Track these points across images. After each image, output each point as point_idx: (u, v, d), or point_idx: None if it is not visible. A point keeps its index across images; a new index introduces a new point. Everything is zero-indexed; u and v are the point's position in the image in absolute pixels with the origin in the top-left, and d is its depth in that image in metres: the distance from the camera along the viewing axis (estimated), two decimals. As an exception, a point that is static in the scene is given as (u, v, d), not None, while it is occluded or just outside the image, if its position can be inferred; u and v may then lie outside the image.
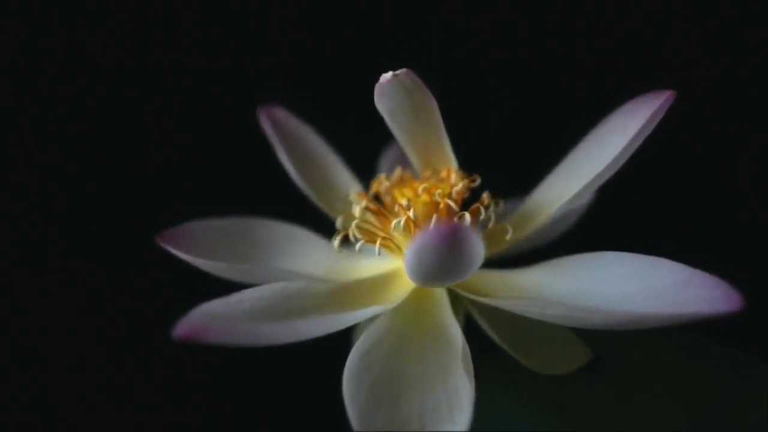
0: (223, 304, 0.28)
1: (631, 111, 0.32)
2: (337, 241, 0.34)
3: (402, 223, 0.32)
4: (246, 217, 0.37)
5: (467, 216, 0.32)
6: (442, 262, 0.26)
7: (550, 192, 0.35)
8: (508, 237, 0.33)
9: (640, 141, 0.31)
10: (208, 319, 0.26)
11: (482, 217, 0.33)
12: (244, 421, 0.38)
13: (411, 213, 0.32)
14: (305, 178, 0.38)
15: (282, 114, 0.41)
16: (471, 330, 0.31)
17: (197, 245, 0.34)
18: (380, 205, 0.35)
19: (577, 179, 0.32)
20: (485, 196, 0.34)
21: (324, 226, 0.38)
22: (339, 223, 0.35)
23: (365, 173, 0.39)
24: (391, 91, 0.31)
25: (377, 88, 0.31)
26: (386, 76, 0.31)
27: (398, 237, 0.33)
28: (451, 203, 0.32)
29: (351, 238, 0.34)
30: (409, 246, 0.31)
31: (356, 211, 0.34)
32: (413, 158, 0.35)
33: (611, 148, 0.31)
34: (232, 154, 0.53)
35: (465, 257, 0.26)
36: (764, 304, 0.27)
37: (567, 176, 0.34)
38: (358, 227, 0.33)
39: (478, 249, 0.26)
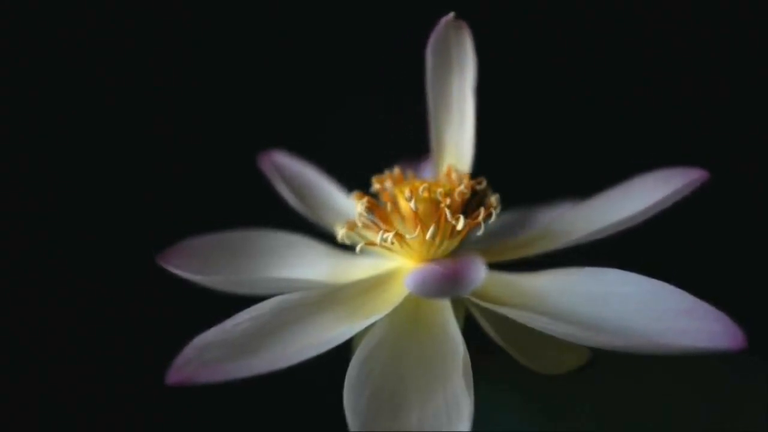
0: (219, 332, 0.27)
1: (662, 179, 0.33)
2: (339, 234, 0.34)
3: (398, 230, 0.32)
4: (243, 229, 0.37)
5: (461, 219, 0.32)
6: (443, 293, 0.28)
7: (561, 226, 0.35)
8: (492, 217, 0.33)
9: (660, 209, 0.31)
10: (200, 358, 0.26)
11: (480, 227, 0.33)
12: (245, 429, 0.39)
13: (412, 204, 0.32)
14: (312, 214, 0.39)
15: (283, 159, 0.42)
16: (470, 329, 0.31)
17: (196, 262, 0.34)
18: (380, 203, 0.35)
19: (589, 224, 0.33)
20: (492, 199, 0.34)
21: (323, 233, 0.38)
22: (338, 229, 0.35)
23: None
24: (446, 37, 0.33)
25: (435, 32, 0.32)
26: (448, 17, 0.32)
27: (401, 230, 0.33)
28: (449, 214, 0.32)
29: (347, 236, 0.34)
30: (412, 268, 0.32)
31: (357, 209, 0.34)
32: (433, 131, 0.36)
33: (630, 207, 0.32)
34: (229, 163, 0.54)
35: (466, 288, 0.27)
36: (764, 304, 0.27)
37: (584, 216, 0.35)
38: (360, 219, 0.33)
39: (479, 277, 0.26)
